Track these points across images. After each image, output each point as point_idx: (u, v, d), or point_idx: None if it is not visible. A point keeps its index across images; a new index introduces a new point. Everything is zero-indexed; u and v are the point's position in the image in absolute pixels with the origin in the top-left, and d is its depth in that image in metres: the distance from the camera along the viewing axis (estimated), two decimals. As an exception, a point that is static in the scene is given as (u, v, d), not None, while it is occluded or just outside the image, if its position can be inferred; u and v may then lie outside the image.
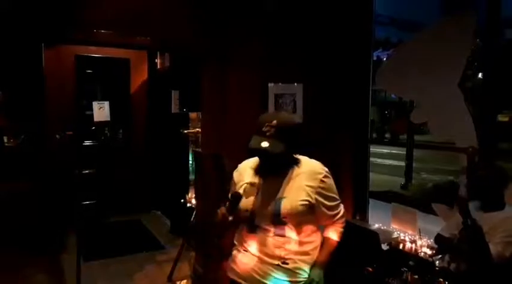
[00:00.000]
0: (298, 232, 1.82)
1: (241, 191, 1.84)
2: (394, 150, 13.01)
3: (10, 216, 4.12)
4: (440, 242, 2.55)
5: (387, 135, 15.48)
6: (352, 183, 4.11)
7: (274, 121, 1.76)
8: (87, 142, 5.45)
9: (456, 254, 2.35)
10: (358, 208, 4.08)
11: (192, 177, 4.96)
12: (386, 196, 7.30)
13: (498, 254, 2.17)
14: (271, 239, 1.80)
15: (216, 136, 4.03)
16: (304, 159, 1.93)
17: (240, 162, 2.07)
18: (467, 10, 3.21)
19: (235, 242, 1.96)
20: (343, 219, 1.96)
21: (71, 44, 5.34)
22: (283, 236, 1.80)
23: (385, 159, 12.47)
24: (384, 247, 2.72)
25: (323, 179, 1.86)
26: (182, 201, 4.86)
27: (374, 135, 5.13)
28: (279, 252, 1.79)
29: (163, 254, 4.43)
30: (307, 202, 1.80)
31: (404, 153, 10.78)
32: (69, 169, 4.18)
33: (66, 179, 4.47)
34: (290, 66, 3.99)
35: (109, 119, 4.93)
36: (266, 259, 1.81)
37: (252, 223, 1.84)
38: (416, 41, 3.68)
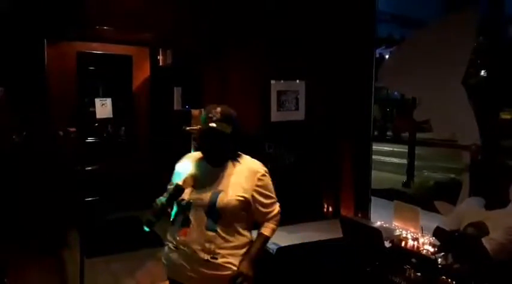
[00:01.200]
0: (230, 227, 1.88)
1: (180, 182, 1.88)
2: (396, 148, 12.98)
3: (12, 213, 4.14)
4: (439, 235, 2.56)
5: (389, 133, 15.45)
6: (354, 181, 4.12)
7: (218, 108, 1.89)
8: (89, 139, 5.45)
9: (458, 250, 2.36)
10: (360, 205, 4.08)
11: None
12: (388, 194, 7.30)
13: (501, 250, 2.18)
14: (203, 233, 1.83)
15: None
16: (245, 157, 2.01)
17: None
18: (470, 7, 3.20)
19: (167, 237, 1.99)
20: (278, 217, 2.03)
21: (73, 41, 5.33)
22: (214, 230, 1.84)
23: (386, 156, 12.45)
24: (387, 244, 2.72)
25: (261, 177, 1.95)
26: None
27: (376, 133, 5.13)
28: (209, 246, 1.82)
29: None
30: (242, 198, 1.88)
31: (406, 150, 10.77)
32: (72, 166, 4.19)
33: (69, 176, 4.48)
34: (293, 63, 3.99)
35: (111, 116, 4.95)
36: (196, 254, 1.83)
37: (186, 214, 1.88)
38: (418, 38, 3.68)
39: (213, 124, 1.85)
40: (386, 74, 3.91)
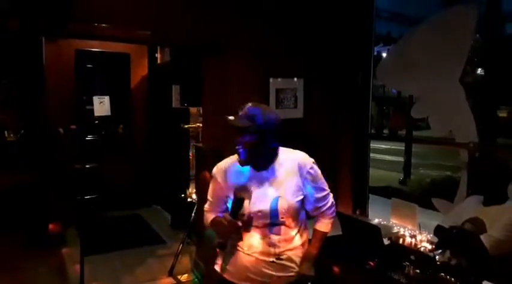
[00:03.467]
0: (292, 228, 1.84)
1: (230, 194, 1.83)
2: (393, 146, 13.03)
3: (11, 211, 4.14)
4: (440, 234, 2.58)
5: (386, 131, 15.51)
6: (352, 178, 4.14)
7: (249, 104, 1.82)
8: (88, 137, 5.44)
9: (456, 246, 2.39)
10: (358, 203, 4.11)
11: (192, 172, 4.97)
12: (385, 192, 7.33)
13: (499, 246, 2.20)
14: (266, 238, 1.80)
15: (217, 131, 4.03)
16: (287, 151, 1.91)
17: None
18: (468, 5, 3.22)
19: (228, 242, 1.92)
20: (333, 209, 1.96)
21: (71, 38, 5.31)
22: (278, 234, 1.80)
23: (383, 154, 12.50)
24: (385, 241, 2.74)
25: (310, 170, 1.86)
26: (183, 195, 4.88)
27: (372, 131, 5.12)
28: (273, 250, 1.79)
29: (164, 248, 4.45)
30: (301, 197, 1.83)
31: (403, 148, 10.81)
32: (71, 164, 4.18)
33: (68, 173, 4.48)
34: (291, 61, 3.99)
35: (110, 114, 4.93)
36: (261, 257, 1.79)
37: (248, 226, 1.81)
38: (416, 36, 3.69)
39: (231, 117, 1.78)
40: (384, 72, 3.92)
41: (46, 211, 4.17)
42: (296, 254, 1.84)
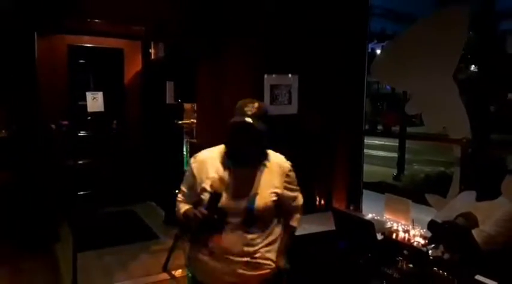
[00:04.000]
0: (267, 225, 1.85)
1: (207, 187, 1.78)
2: (387, 142, 13.09)
3: (2, 207, 4.10)
4: (433, 229, 2.60)
5: (380, 127, 15.57)
6: (346, 174, 4.15)
7: (256, 104, 1.80)
8: (81, 133, 5.42)
9: (448, 241, 2.41)
10: (352, 198, 4.12)
11: (186, 167, 4.95)
12: (379, 187, 7.37)
13: (491, 241, 2.23)
14: (240, 237, 1.77)
15: (211, 127, 4.03)
16: (271, 153, 1.93)
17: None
18: (462, 2, 3.23)
19: (200, 243, 1.86)
20: (301, 206, 2.05)
21: (64, 34, 5.27)
22: (253, 233, 1.79)
23: (377, 150, 12.55)
24: (378, 236, 2.76)
25: (289, 173, 1.93)
26: (177, 191, 4.86)
27: (366, 127, 5.14)
28: (247, 249, 1.78)
29: (158, 244, 4.44)
30: (277, 197, 1.84)
31: (397, 144, 10.87)
32: (63, 160, 4.16)
33: (60, 169, 4.45)
34: (285, 57, 3.99)
35: (103, 109, 4.91)
36: (235, 258, 1.77)
37: (221, 222, 1.77)
38: (410, 33, 3.70)
39: (249, 120, 1.73)
40: (378, 69, 3.94)
41: (38, 208, 4.14)
42: (269, 251, 1.84)
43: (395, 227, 3.12)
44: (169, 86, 4.99)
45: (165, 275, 3.71)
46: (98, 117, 5.16)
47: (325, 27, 4.04)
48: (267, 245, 1.83)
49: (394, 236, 2.98)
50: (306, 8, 3.99)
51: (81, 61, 5.66)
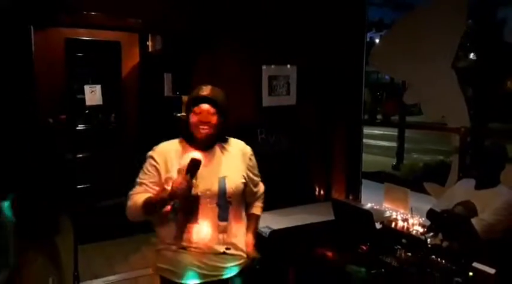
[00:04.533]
0: (238, 211, 1.86)
1: (174, 175, 1.74)
2: (386, 131, 13.11)
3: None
4: (432, 217, 2.62)
5: (379, 116, 15.57)
6: (345, 164, 4.16)
7: (210, 86, 1.84)
8: (80, 127, 5.41)
9: (447, 229, 2.42)
10: (351, 188, 4.14)
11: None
12: (378, 177, 7.39)
13: (490, 230, 2.24)
14: (215, 224, 1.77)
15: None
16: (230, 138, 1.95)
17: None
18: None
19: (166, 240, 1.82)
20: (263, 195, 2.06)
21: (61, 27, 5.23)
22: (226, 219, 1.79)
23: (377, 140, 12.56)
24: (377, 226, 2.77)
25: (250, 157, 1.95)
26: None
27: (366, 117, 5.14)
28: (222, 237, 1.77)
29: (158, 236, 4.46)
30: (244, 180, 1.87)
31: (396, 133, 10.88)
32: (63, 153, 4.15)
33: (60, 163, 4.45)
34: (283, 48, 3.97)
35: (101, 103, 4.89)
36: (210, 249, 1.76)
37: (192, 209, 1.75)
38: (408, 22, 3.69)
39: (205, 92, 1.79)
40: (377, 58, 3.92)
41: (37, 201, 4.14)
42: (241, 241, 1.87)
43: (394, 216, 3.14)
44: (167, 78, 4.97)
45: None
46: (96, 111, 5.14)
47: (323, 17, 4.02)
48: (240, 234, 1.86)
49: (393, 225, 3.00)
50: (304, -2, 3.97)
51: (79, 54, 5.63)
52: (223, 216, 1.79)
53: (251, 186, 1.94)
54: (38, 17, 4.00)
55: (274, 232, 3.01)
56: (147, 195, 1.79)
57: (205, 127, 1.79)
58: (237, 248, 1.84)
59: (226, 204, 1.79)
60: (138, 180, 1.87)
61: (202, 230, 1.76)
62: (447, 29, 3.24)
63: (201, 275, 1.77)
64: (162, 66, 5.26)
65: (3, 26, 3.82)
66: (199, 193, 1.75)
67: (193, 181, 1.71)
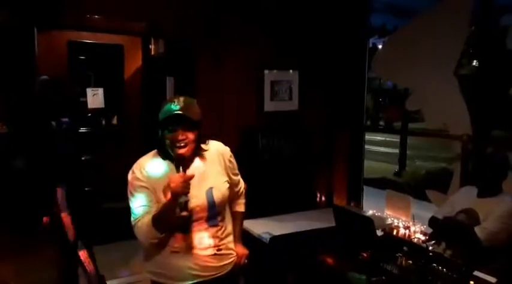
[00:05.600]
0: (226, 215, 1.89)
1: (161, 196, 1.71)
2: (388, 138, 13.08)
3: (3, 203, 4.11)
4: (434, 225, 2.60)
5: (381, 123, 15.53)
6: (347, 170, 4.15)
7: (182, 98, 1.78)
8: (82, 129, 5.41)
9: (449, 237, 2.41)
10: (352, 194, 4.13)
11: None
12: (380, 183, 7.37)
13: (493, 238, 2.22)
14: (206, 231, 1.78)
15: (212, 123, 4.02)
16: (209, 142, 1.89)
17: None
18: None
19: (156, 244, 1.78)
20: (244, 191, 2.06)
21: (64, 29, 5.25)
22: (216, 225, 1.82)
23: (379, 146, 12.54)
24: (379, 233, 2.75)
25: (230, 158, 1.92)
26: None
27: (368, 123, 5.17)
28: (213, 241, 1.80)
29: (159, 240, 4.45)
30: (228, 184, 1.86)
31: (398, 140, 10.85)
32: (64, 156, 4.15)
33: (61, 165, 4.45)
34: (286, 53, 3.98)
35: (103, 106, 4.90)
36: (201, 252, 1.78)
37: (187, 223, 1.74)
38: (411, 28, 3.68)
39: (179, 112, 1.69)
40: (379, 64, 3.92)
41: (39, 203, 4.14)
42: (230, 241, 1.90)
43: (395, 224, 3.12)
44: (170, 82, 4.97)
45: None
46: (99, 114, 5.15)
47: (326, 22, 4.03)
48: (227, 235, 1.88)
49: (394, 232, 2.98)
50: (307, 3, 3.98)
51: (81, 57, 5.64)
52: (213, 223, 1.81)
53: (233, 187, 1.95)
54: (42, 19, 4.02)
55: (274, 238, 3.00)
56: (151, 214, 1.72)
57: (182, 144, 1.72)
58: (227, 247, 1.87)
59: (216, 212, 1.81)
60: (133, 207, 1.79)
61: (193, 237, 1.77)
62: (450, 36, 3.24)
63: (194, 276, 1.78)
64: (165, 70, 5.26)
65: (7, 28, 3.84)
66: (189, 211, 1.70)
67: (187, 171, 1.70)
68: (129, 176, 1.83)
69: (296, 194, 3.91)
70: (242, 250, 2.01)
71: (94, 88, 4.51)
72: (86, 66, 5.70)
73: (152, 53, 6.04)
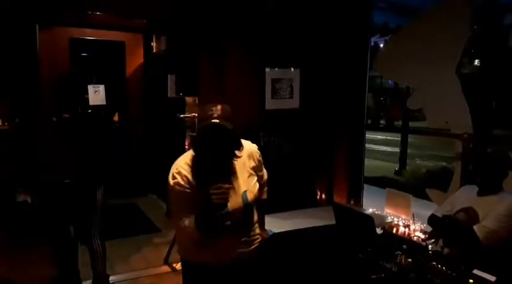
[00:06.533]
0: (253, 209, 1.98)
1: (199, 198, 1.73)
2: (389, 136, 13.07)
3: (5, 200, 4.12)
4: (434, 223, 2.60)
5: (382, 121, 15.53)
6: (347, 168, 4.15)
7: (219, 106, 1.75)
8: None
9: (448, 236, 2.41)
10: (352, 192, 4.13)
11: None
12: (381, 182, 7.37)
13: (493, 236, 2.23)
14: (242, 228, 1.91)
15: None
16: (242, 142, 1.89)
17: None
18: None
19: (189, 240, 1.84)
20: (267, 180, 2.13)
21: (65, 26, 5.26)
22: (252, 224, 1.97)
23: (380, 145, 12.53)
24: (378, 231, 2.76)
25: (259, 158, 1.99)
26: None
27: (369, 121, 5.19)
28: (248, 232, 1.94)
29: (159, 237, 4.47)
30: (258, 183, 1.94)
31: (399, 139, 10.84)
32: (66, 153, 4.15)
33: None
34: (287, 51, 3.98)
35: (105, 103, 4.90)
36: (236, 241, 1.90)
37: (226, 226, 1.79)
38: (413, 27, 3.68)
39: (216, 121, 1.69)
40: (381, 63, 3.92)
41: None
42: (257, 227, 2.02)
43: (395, 222, 3.13)
44: (171, 79, 4.98)
45: (166, 268, 3.74)
46: (100, 111, 5.14)
47: (327, 21, 4.03)
48: (255, 223, 1.99)
49: (394, 230, 2.99)
50: (309, 1, 3.97)
51: (83, 54, 5.65)
52: (248, 222, 1.94)
53: (259, 181, 1.99)
54: (43, 16, 4.02)
55: (275, 236, 3.00)
56: (193, 218, 1.75)
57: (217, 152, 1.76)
58: (255, 234, 1.99)
59: (251, 211, 1.95)
60: (176, 211, 1.87)
61: (230, 235, 1.86)
62: (451, 35, 3.24)
63: (226, 259, 1.88)
64: (166, 67, 5.27)
65: (9, 24, 3.84)
66: (230, 217, 1.79)
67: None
68: (170, 180, 1.83)
69: (296, 192, 3.92)
70: (265, 235, 2.13)
71: (95, 85, 4.50)
72: (87, 62, 5.70)
73: (154, 50, 6.06)
